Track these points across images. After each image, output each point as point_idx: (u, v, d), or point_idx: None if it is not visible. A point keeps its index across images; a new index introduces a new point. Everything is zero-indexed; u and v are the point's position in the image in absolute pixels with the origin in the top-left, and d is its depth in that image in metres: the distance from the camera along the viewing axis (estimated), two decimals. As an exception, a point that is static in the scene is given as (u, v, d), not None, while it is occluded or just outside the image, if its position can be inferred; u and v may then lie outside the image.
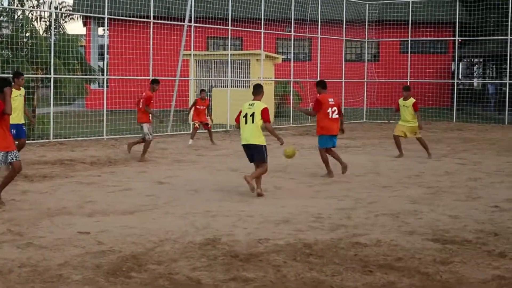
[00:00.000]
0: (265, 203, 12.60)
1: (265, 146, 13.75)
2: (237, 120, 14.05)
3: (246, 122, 13.72)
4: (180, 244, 9.30)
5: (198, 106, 23.16)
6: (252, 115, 13.63)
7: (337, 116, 16.12)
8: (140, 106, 18.87)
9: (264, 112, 13.59)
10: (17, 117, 16.35)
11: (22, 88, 16.97)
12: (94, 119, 26.22)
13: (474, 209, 12.04)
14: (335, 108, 16.10)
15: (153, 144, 22.71)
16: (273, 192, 13.92)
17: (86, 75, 26.76)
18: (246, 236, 9.82)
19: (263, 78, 30.42)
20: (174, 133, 27.10)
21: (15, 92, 16.02)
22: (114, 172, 16.55)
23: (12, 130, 13.93)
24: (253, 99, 13.98)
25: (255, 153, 13.77)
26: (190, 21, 28.33)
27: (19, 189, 13.86)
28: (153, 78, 22.70)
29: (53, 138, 23.19)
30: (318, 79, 20.76)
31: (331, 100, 16.27)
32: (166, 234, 9.89)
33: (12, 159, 11.84)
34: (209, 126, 23.53)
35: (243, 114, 13.84)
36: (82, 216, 11.27)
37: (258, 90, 14.09)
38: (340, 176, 15.97)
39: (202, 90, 23.63)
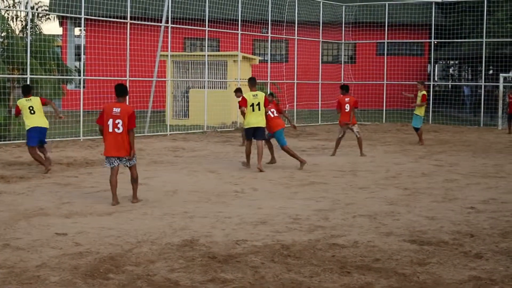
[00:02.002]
0: (243, 204, 12.62)
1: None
2: (244, 104, 17.24)
3: (253, 110, 17.21)
4: (158, 245, 9.30)
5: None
6: (258, 104, 17.20)
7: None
8: None
9: (266, 100, 17.37)
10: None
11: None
12: (71, 119, 26.08)
13: (451, 210, 12.12)
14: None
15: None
16: (251, 193, 13.93)
17: (62, 75, 26.64)
18: (224, 237, 9.83)
19: (240, 79, 30.43)
20: (151, 134, 27.04)
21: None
22: (91, 173, 16.49)
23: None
24: (252, 90, 17.40)
25: (259, 133, 17.43)
26: (167, 22, 28.30)
27: (-5, 190, 13.80)
28: None
29: (29, 139, 23.03)
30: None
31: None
32: (144, 235, 9.88)
33: None
34: None
35: (249, 103, 17.17)
36: (59, 217, 11.23)
37: (255, 82, 17.61)
38: (318, 177, 16.01)
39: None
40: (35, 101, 17.18)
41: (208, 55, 30.15)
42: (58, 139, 23.85)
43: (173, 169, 17.47)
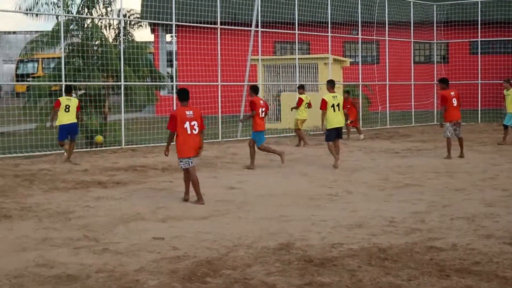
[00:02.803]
0: (338, 207, 12.55)
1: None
2: (324, 106, 17.93)
3: (334, 110, 18.02)
4: (254, 249, 9.32)
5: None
6: (338, 105, 18.05)
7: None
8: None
9: (344, 101, 18.86)
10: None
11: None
12: (164, 125, 26.39)
13: (552, 211, 11.81)
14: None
15: (224, 149, 22.86)
16: (345, 196, 13.84)
17: (155, 81, 27.00)
18: (320, 240, 9.79)
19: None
20: (244, 138, 27.14)
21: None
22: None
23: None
24: (331, 92, 18.34)
25: (341, 132, 18.36)
26: (257, 26, 28.38)
27: (93, 195, 14.07)
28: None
29: (125, 145, 23.45)
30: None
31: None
32: (240, 239, 9.91)
33: None
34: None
35: (330, 104, 17.98)
36: (156, 221, 11.38)
37: (334, 84, 18.66)
38: (413, 179, 15.81)
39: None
40: (74, 102, 19.97)
41: (298, 58, 30.13)
42: (153, 144, 24.18)
43: (267, 173, 17.50)
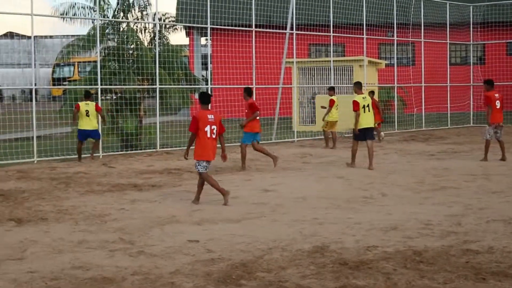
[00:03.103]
0: (373, 210, 12.49)
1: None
2: (357, 107, 18.22)
3: (365, 111, 18.33)
4: (289, 251, 9.30)
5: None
6: (368, 105, 18.41)
7: None
8: None
9: (373, 103, 18.99)
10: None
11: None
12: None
13: None
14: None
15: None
16: (380, 199, 13.79)
17: (190, 84, 27.08)
18: (354, 243, 9.75)
19: (366, 84, 30.21)
20: (279, 140, 27.16)
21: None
22: (220, 181, 16.59)
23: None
24: (359, 93, 18.69)
25: (370, 133, 18.63)
26: (291, 28, 28.38)
27: (128, 198, 14.14)
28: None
29: (160, 148, 23.55)
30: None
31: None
32: (274, 241, 9.90)
33: None
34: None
35: (361, 105, 18.30)
36: (191, 224, 11.41)
37: (361, 85, 19.15)
38: (448, 182, 15.70)
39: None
40: (92, 106, 20.75)
41: (333, 61, 30.07)
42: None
43: (301, 175, 17.47)
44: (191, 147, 13.51)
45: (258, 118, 19.01)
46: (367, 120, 18.44)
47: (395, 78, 32.72)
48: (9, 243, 10.11)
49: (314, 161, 20.48)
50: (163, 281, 8.03)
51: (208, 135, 13.23)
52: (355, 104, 18.29)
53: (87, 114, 20.58)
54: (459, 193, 14.28)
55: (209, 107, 13.63)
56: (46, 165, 19.57)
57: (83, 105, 20.61)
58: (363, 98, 18.54)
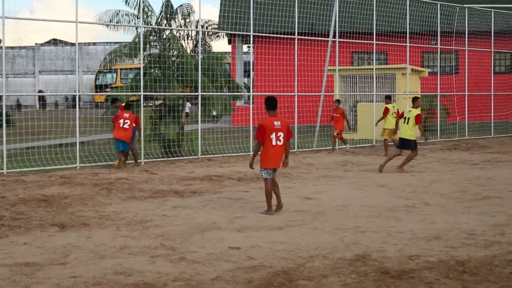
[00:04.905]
0: (415, 219, 12.39)
1: (413, 140, 19.48)
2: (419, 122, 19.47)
3: (403, 122, 19.57)
4: (330, 260, 9.26)
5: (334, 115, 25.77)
6: (408, 118, 19.36)
7: None
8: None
9: (417, 118, 19.31)
10: None
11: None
12: (241, 135, 26.55)
13: None
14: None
15: (299, 159, 22.82)
16: (423, 208, 13.67)
17: (232, 92, 27.13)
18: (396, 252, 9.67)
19: (409, 92, 30.05)
20: (320, 148, 27.09)
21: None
22: (261, 188, 16.61)
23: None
24: (412, 107, 19.87)
25: (406, 144, 19.54)
26: (334, 36, 28.31)
27: (170, 204, 14.18)
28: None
29: (201, 155, 23.61)
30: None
31: None
32: (316, 249, 9.86)
33: None
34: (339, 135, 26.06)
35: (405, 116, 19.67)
36: (232, 231, 11.40)
37: (415, 101, 19.85)
38: (492, 191, 15.53)
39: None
40: (131, 117, 20.76)
41: (376, 69, 29.95)
42: (228, 154, 24.30)
43: (343, 184, 17.40)
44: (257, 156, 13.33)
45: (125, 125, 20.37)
46: (405, 132, 19.68)
47: (438, 86, 32.48)
48: (52, 248, 10.19)
49: (355, 169, 20.39)
50: (204, 287, 8.03)
51: (274, 143, 12.90)
52: (400, 114, 20.23)
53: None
54: (503, 202, 14.11)
55: (276, 113, 13.29)
56: (89, 171, 19.72)
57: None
58: (408, 111, 19.93)
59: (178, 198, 15.08)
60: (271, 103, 13.20)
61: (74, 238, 10.92)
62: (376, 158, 23.59)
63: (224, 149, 24.94)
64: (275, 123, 12.94)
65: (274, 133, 12.89)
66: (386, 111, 24.31)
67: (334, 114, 26.03)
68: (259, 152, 13.28)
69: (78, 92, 23.04)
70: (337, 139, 26.54)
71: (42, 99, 59.38)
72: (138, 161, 21.46)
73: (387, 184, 17.00)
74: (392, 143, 24.48)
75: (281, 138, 12.95)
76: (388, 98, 25.09)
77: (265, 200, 13.21)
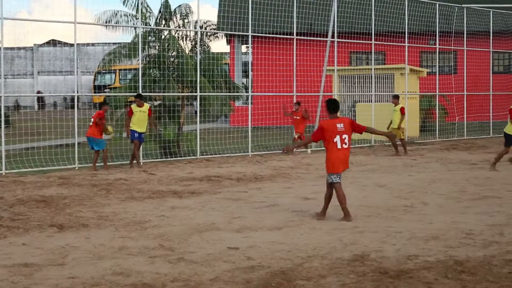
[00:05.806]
0: (414, 219, 12.39)
1: None
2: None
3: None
4: (329, 260, 9.27)
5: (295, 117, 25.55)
6: None
7: None
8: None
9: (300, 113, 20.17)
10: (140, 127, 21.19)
11: (145, 104, 21.46)
12: (239, 135, 26.54)
13: None
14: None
15: (299, 159, 22.83)
16: (421, 208, 13.68)
17: (230, 92, 27.10)
18: (395, 252, 9.68)
19: (408, 92, 30.04)
20: (319, 148, 27.06)
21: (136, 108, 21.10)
22: (260, 188, 16.67)
23: (136, 134, 20.99)
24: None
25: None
26: (333, 36, 28.30)
27: (168, 205, 14.19)
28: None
29: (199, 155, 23.61)
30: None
31: None
32: (314, 250, 9.87)
33: None
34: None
35: None
36: (230, 231, 11.41)
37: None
38: (491, 191, 15.53)
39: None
40: (145, 110, 21.24)
41: (374, 69, 29.94)
42: (227, 154, 24.30)
43: (342, 184, 17.34)
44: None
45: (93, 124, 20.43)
46: None
47: (437, 86, 32.48)
48: (51, 249, 10.20)
49: (354, 169, 20.36)
50: (203, 287, 8.03)
51: (339, 146, 12.34)
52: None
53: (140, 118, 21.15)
54: (502, 202, 14.11)
55: (338, 115, 12.82)
56: (87, 172, 19.72)
57: (136, 108, 21.08)
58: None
59: (177, 199, 15.08)
60: (332, 105, 12.62)
61: (73, 238, 10.92)
62: (375, 157, 23.60)
63: (223, 150, 24.93)
64: (338, 125, 12.35)
65: (338, 136, 12.31)
66: (403, 110, 24.39)
67: (295, 117, 25.59)
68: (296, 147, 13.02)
69: (77, 92, 23.01)
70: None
71: (40, 99, 59.34)
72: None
73: (386, 184, 17.00)
74: (400, 142, 24.53)
75: (346, 140, 12.38)
76: (396, 98, 25.03)
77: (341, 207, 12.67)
